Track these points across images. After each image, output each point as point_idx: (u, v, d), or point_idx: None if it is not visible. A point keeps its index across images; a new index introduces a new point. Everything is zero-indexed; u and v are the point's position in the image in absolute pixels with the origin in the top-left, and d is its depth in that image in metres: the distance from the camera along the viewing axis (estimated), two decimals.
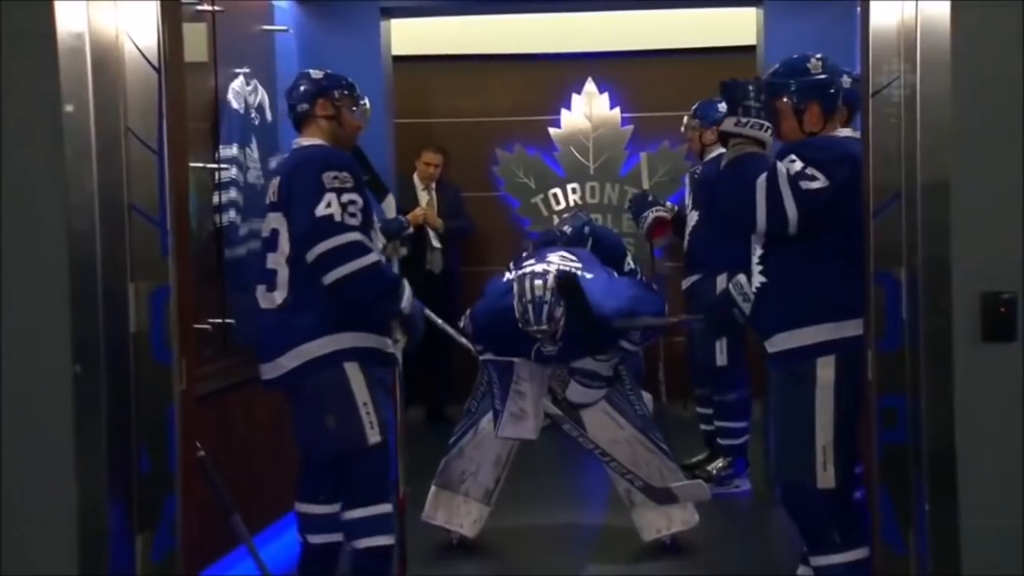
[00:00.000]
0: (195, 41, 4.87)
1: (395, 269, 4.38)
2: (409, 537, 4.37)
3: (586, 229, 6.12)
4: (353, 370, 3.94)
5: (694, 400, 6.35)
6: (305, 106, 4.13)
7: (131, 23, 3.05)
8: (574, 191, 8.51)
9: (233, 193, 5.15)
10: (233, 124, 5.22)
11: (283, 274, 3.96)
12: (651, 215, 6.23)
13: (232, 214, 5.16)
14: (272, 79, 5.74)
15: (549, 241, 5.98)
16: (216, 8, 5.08)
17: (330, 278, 3.84)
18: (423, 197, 7.82)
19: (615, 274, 5.40)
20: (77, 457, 3.04)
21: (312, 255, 3.84)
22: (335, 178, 3.86)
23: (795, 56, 3.73)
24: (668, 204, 6.51)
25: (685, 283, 6.04)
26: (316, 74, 4.20)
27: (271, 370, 4.03)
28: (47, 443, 3.06)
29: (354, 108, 4.18)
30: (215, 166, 5.08)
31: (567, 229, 6.02)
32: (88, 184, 3.01)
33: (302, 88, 4.16)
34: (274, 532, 5.09)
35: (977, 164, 2.93)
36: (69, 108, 3.00)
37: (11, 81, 3.03)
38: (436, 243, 7.76)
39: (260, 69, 5.56)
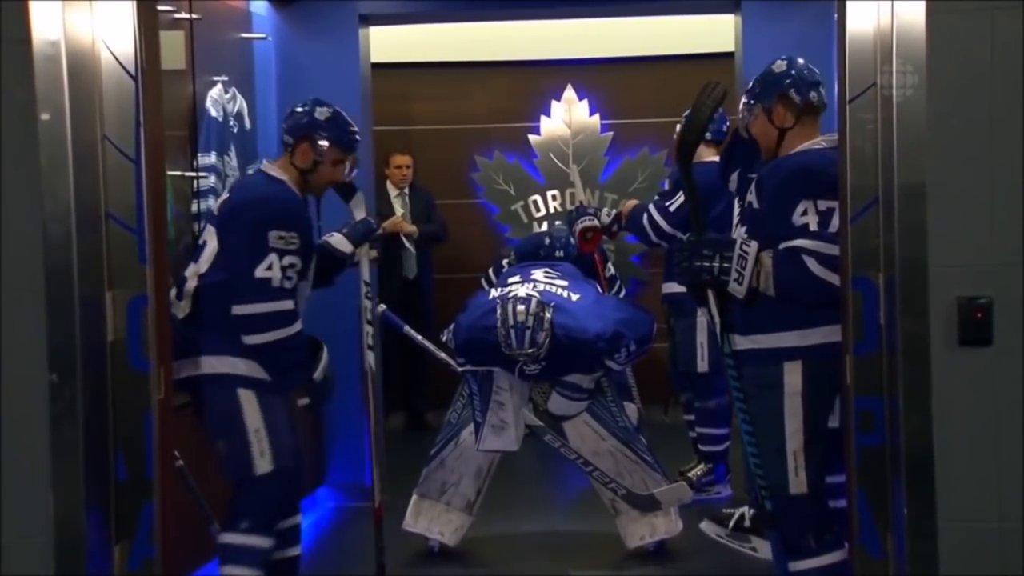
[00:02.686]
0: (172, 48, 4.87)
1: (367, 272, 4.37)
2: (387, 544, 4.36)
3: (571, 240, 6.10)
4: (248, 397, 3.75)
5: (674, 406, 6.34)
6: (289, 140, 3.94)
7: (107, 30, 3.04)
8: (554, 198, 8.52)
9: (212, 201, 5.13)
10: (211, 132, 5.20)
11: (191, 287, 3.79)
12: (577, 227, 6.12)
13: None
14: (251, 87, 5.72)
15: (534, 250, 5.94)
16: (194, 16, 5.08)
17: (251, 340, 3.71)
18: (397, 203, 7.74)
19: (599, 289, 5.39)
20: (54, 465, 3.02)
21: (240, 311, 3.69)
22: (281, 238, 3.70)
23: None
24: (604, 210, 6.40)
25: (665, 289, 6.02)
26: (322, 113, 3.93)
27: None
28: (23, 451, 3.05)
29: (337, 163, 3.96)
30: (193, 174, 5.07)
31: (559, 253, 5.93)
32: (64, 192, 3.00)
33: (294, 121, 3.95)
34: None
35: (953, 169, 2.94)
36: (45, 116, 2.99)
37: None
38: (410, 247, 7.67)
39: (239, 77, 5.55)
